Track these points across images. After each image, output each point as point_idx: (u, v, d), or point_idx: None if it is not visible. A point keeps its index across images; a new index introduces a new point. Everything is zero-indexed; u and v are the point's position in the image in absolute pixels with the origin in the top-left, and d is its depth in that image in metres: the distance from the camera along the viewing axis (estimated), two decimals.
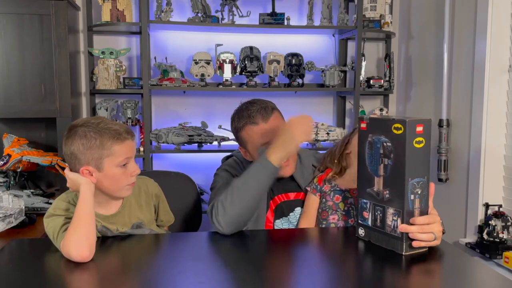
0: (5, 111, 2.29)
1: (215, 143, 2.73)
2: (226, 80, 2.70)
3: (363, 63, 2.81)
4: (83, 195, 1.22)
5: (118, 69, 2.62)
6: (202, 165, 2.80)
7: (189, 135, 2.64)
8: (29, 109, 2.30)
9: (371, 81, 2.86)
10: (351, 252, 1.24)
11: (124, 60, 2.75)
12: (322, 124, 2.78)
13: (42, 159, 2.17)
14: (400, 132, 1.13)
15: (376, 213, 1.23)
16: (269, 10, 2.75)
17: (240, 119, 1.51)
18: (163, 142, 2.63)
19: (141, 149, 2.64)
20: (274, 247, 1.24)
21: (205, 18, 2.64)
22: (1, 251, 1.22)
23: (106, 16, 2.58)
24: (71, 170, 1.27)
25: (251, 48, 2.71)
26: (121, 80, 2.67)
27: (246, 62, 2.68)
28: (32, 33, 2.27)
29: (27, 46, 2.27)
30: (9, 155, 2.11)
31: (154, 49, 2.82)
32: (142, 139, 2.70)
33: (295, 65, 2.77)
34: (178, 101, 2.90)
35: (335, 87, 2.82)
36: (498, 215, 2.12)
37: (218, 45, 2.71)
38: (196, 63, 2.67)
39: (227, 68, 2.68)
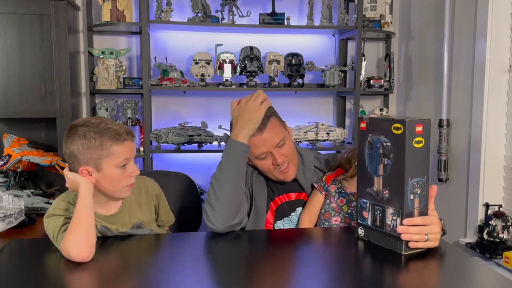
0: (5, 111, 2.29)
1: (215, 143, 2.73)
2: (226, 80, 2.70)
3: (363, 63, 2.80)
4: (82, 195, 1.22)
5: (118, 69, 2.62)
6: (202, 165, 2.80)
7: (189, 135, 2.64)
8: (29, 109, 2.30)
9: (371, 81, 2.86)
10: (351, 252, 1.24)
11: (124, 60, 2.75)
12: (322, 124, 2.78)
13: (42, 159, 2.17)
14: (399, 132, 1.13)
15: (376, 213, 1.23)
16: (269, 10, 2.75)
17: None
18: (163, 142, 2.64)
19: (141, 149, 2.64)
20: (273, 247, 1.24)
21: (205, 18, 2.64)
22: (1, 251, 1.22)
23: (106, 16, 2.58)
24: (70, 170, 1.27)
25: (251, 48, 2.71)
26: (121, 80, 2.67)
27: (246, 62, 2.68)
28: (32, 33, 2.27)
29: (27, 46, 2.27)
30: (9, 155, 2.11)
31: (154, 49, 2.82)
32: (142, 139, 2.70)
33: (295, 65, 2.77)
34: (178, 101, 2.90)
35: (335, 87, 2.82)
36: (498, 215, 2.12)
37: (218, 45, 2.71)
38: (196, 63, 2.67)
39: (227, 68, 2.68)
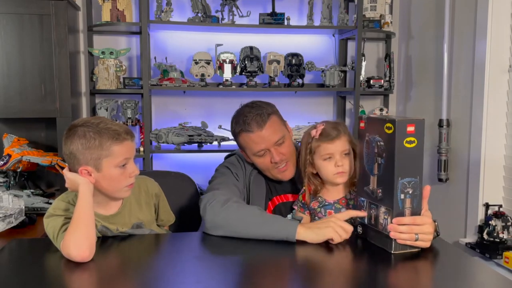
0: (5, 111, 2.29)
1: (215, 143, 2.73)
2: (226, 80, 2.70)
3: (363, 63, 2.80)
4: (82, 195, 1.22)
5: (118, 69, 2.62)
6: (202, 165, 2.80)
7: (189, 135, 2.64)
8: (29, 109, 2.30)
9: (371, 81, 2.85)
10: (349, 251, 1.24)
11: (124, 60, 2.75)
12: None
13: (42, 159, 2.17)
14: (390, 131, 1.14)
15: (371, 211, 1.24)
16: (269, 10, 2.75)
17: (237, 124, 1.53)
18: (163, 142, 2.63)
19: (141, 149, 2.64)
20: (273, 246, 1.24)
21: (205, 18, 2.64)
22: (1, 251, 1.22)
23: (106, 16, 2.58)
24: (70, 170, 1.27)
25: (251, 48, 2.71)
26: (121, 80, 2.66)
27: (246, 62, 2.68)
28: (32, 33, 2.27)
29: (27, 46, 2.27)
30: (9, 155, 2.11)
31: (154, 49, 2.82)
32: (142, 139, 2.70)
33: (295, 65, 2.77)
34: (178, 101, 2.90)
35: (335, 87, 2.82)
36: (498, 215, 2.12)
37: (218, 45, 2.71)
38: (196, 63, 2.67)
39: (227, 68, 2.68)
